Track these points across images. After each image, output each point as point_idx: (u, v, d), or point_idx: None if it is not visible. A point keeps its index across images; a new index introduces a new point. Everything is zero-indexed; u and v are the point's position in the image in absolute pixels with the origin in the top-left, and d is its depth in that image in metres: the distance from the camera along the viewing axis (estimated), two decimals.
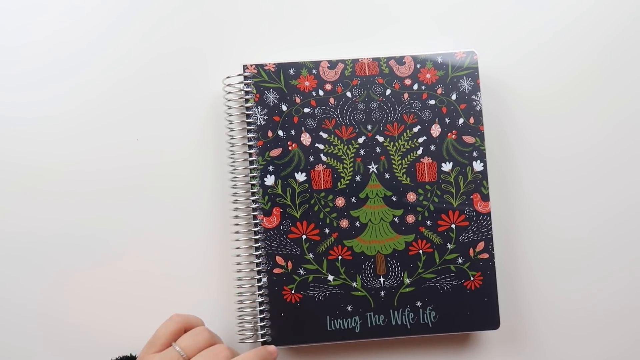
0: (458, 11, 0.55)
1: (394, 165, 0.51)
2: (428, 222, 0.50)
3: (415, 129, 0.51)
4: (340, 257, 0.50)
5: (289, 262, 0.50)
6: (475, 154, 0.51)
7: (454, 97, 0.51)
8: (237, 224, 0.51)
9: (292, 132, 0.50)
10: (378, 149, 0.51)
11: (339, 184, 0.50)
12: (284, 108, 0.51)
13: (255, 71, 0.51)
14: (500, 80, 0.54)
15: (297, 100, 0.51)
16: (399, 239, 0.50)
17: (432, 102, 0.51)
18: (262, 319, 0.49)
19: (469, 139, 0.51)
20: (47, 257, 0.52)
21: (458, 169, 0.51)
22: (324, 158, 0.50)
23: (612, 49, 0.55)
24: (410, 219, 0.50)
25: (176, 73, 0.54)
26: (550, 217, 0.53)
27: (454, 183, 0.51)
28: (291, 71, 0.51)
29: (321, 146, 0.51)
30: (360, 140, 0.51)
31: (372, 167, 0.51)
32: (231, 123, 0.52)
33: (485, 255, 0.50)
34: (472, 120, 0.51)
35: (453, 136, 0.51)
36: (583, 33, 0.55)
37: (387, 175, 0.50)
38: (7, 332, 0.51)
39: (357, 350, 0.52)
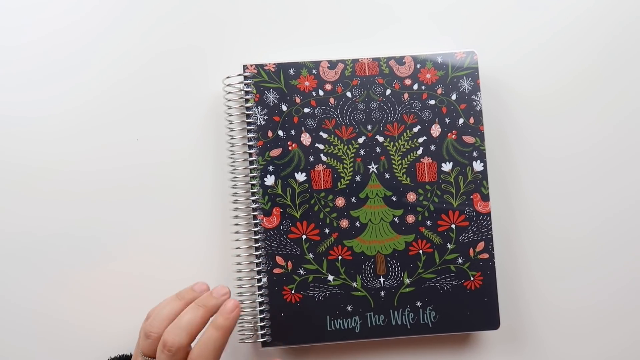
0: (458, 11, 0.55)
1: (394, 165, 0.51)
2: (428, 222, 0.50)
3: (415, 129, 0.51)
4: (340, 257, 0.50)
5: (289, 262, 0.50)
6: (475, 154, 0.51)
7: (454, 97, 0.51)
8: (237, 224, 0.51)
9: (292, 132, 0.50)
10: (378, 149, 0.51)
11: (339, 184, 0.50)
12: (284, 108, 0.51)
13: (255, 71, 0.51)
14: (500, 80, 0.54)
15: (297, 100, 0.51)
16: (399, 239, 0.50)
17: (432, 102, 0.51)
18: (262, 319, 0.49)
19: (469, 139, 0.51)
20: (46, 257, 0.52)
21: (458, 169, 0.51)
22: (324, 158, 0.50)
23: (612, 49, 0.55)
24: (410, 219, 0.50)
25: (176, 73, 0.53)
26: (550, 217, 0.53)
27: (454, 183, 0.51)
28: (291, 71, 0.51)
29: (321, 146, 0.50)
30: (360, 140, 0.51)
31: (372, 167, 0.51)
32: (231, 123, 0.52)
33: (485, 255, 0.50)
34: (472, 120, 0.51)
35: (453, 136, 0.51)
36: (583, 33, 0.55)
37: (387, 175, 0.50)
38: (5, 332, 0.51)
39: (357, 351, 0.52)
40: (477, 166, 0.51)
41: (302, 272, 0.50)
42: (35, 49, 0.53)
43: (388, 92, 0.51)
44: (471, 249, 0.50)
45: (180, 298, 0.44)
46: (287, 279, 0.49)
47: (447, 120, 0.51)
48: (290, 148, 0.50)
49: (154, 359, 0.41)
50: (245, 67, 0.51)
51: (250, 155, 0.50)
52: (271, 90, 0.51)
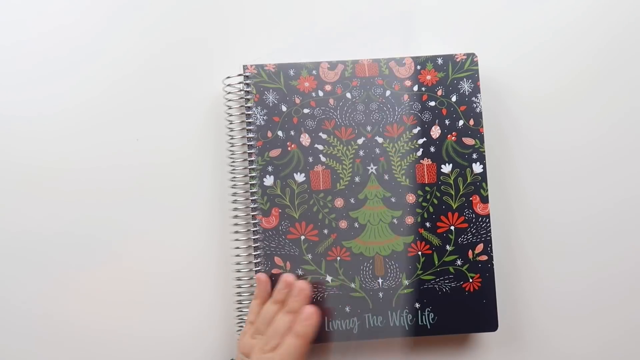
0: (458, 12, 0.55)
1: (393, 167, 0.50)
2: (427, 224, 0.50)
3: (415, 131, 0.51)
4: (338, 258, 0.50)
5: (288, 262, 0.50)
6: (474, 156, 0.51)
7: (454, 98, 0.51)
8: (236, 224, 0.51)
9: (292, 132, 0.50)
10: (377, 150, 0.51)
11: (338, 184, 0.50)
12: (284, 108, 0.51)
13: (255, 71, 0.51)
14: (500, 82, 0.54)
15: (297, 100, 0.51)
16: (397, 240, 0.50)
17: (432, 103, 0.51)
18: None
19: (468, 141, 0.51)
20: (47, 256, 0.52)
21: (457, 171, 0.50)
22: (323, 159, 0.50)
23: (611, 49, 0.55)
24: (409, 220, 0.50)
25: (176, 73, 0.53)
26: (549, 219, 0.53)
27: (454, 185, 0.50)
28: (291, 72, 0.51)
29: (320, 147, 0.50)
30: (360, 141, 0.51)
31: (372, 168, 0.51)
32: (231, 123, 0.52)
33: (484, 257, 0.50)
34: (472, 122, 0.51)
35: (453, 138, 0.51)
36: (582, 33, 0.55)
37: (386, 177, 0.50)
38: (6, 333, 0.51)
39: (355, 351, 0.52)
40: (477, 168, 0.51)
41: (300, 272, 0.50)
42: (36, 46, 0.53)
43: (388, 93, 0.51)
44: (470, 250, 0.50)
45: (275, 302, 0.47)
46: None
47: (447, 121, 0.51)
48: (289, 148, 0.50)
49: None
50: (245, 67, 0.51)
51: (250, 155, 0.50)
52: (271, 90, 0.51)
